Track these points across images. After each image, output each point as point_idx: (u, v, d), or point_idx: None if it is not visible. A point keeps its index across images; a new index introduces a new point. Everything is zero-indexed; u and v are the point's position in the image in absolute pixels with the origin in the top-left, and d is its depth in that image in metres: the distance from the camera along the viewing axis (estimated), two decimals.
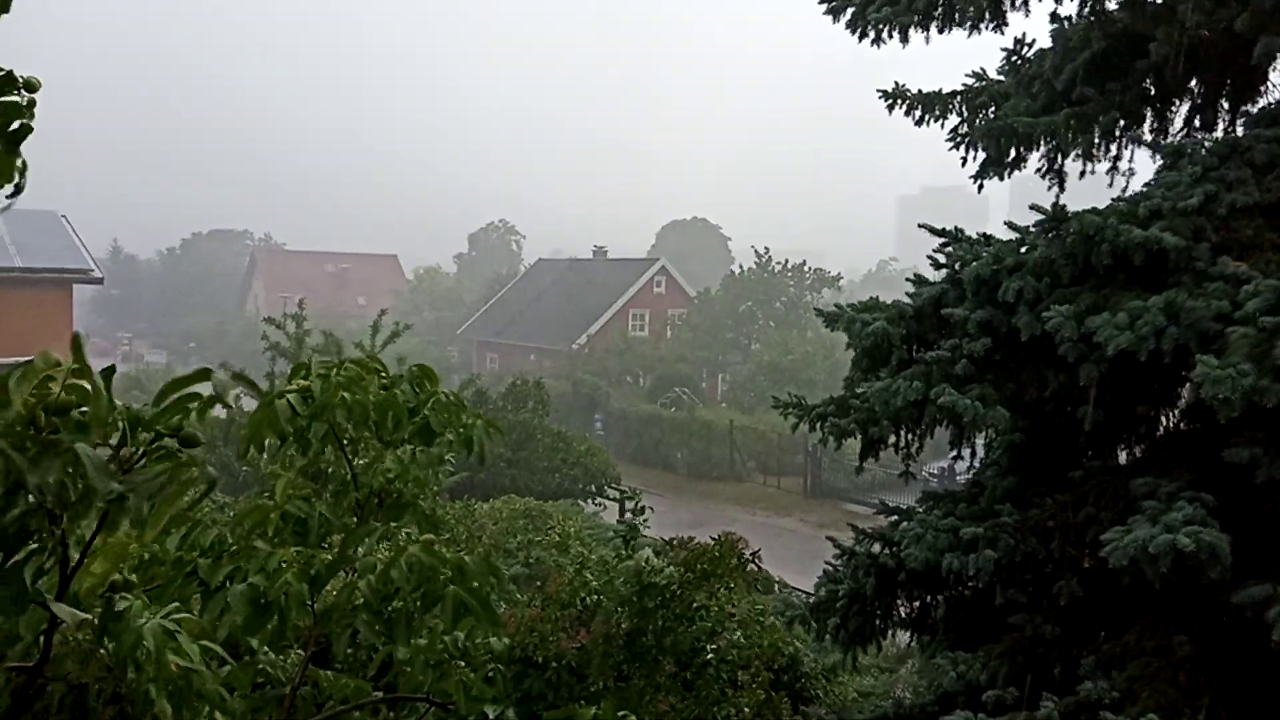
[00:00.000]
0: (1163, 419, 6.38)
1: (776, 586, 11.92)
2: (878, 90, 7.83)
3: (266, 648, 2.49)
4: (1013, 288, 5.74)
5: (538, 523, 11.90)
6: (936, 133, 7.71)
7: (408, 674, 2.54)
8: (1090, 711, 4.91)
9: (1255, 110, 6.60)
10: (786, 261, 43.31)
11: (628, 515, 8.45)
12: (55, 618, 1.39)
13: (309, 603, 2.00)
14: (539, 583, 7.99)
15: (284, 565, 2.03)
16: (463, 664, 2.51)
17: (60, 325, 18.48)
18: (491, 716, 2.27)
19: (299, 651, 2.31)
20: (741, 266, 45.61)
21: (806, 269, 43.17)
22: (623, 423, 34.13)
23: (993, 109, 7.52)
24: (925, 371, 5.84)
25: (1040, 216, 6.02)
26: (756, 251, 43.62)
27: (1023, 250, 6.08)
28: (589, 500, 20.74)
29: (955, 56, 8.22)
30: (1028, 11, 7.19)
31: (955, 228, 6.66)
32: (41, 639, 1.44)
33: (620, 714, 2.22)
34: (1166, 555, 4.63)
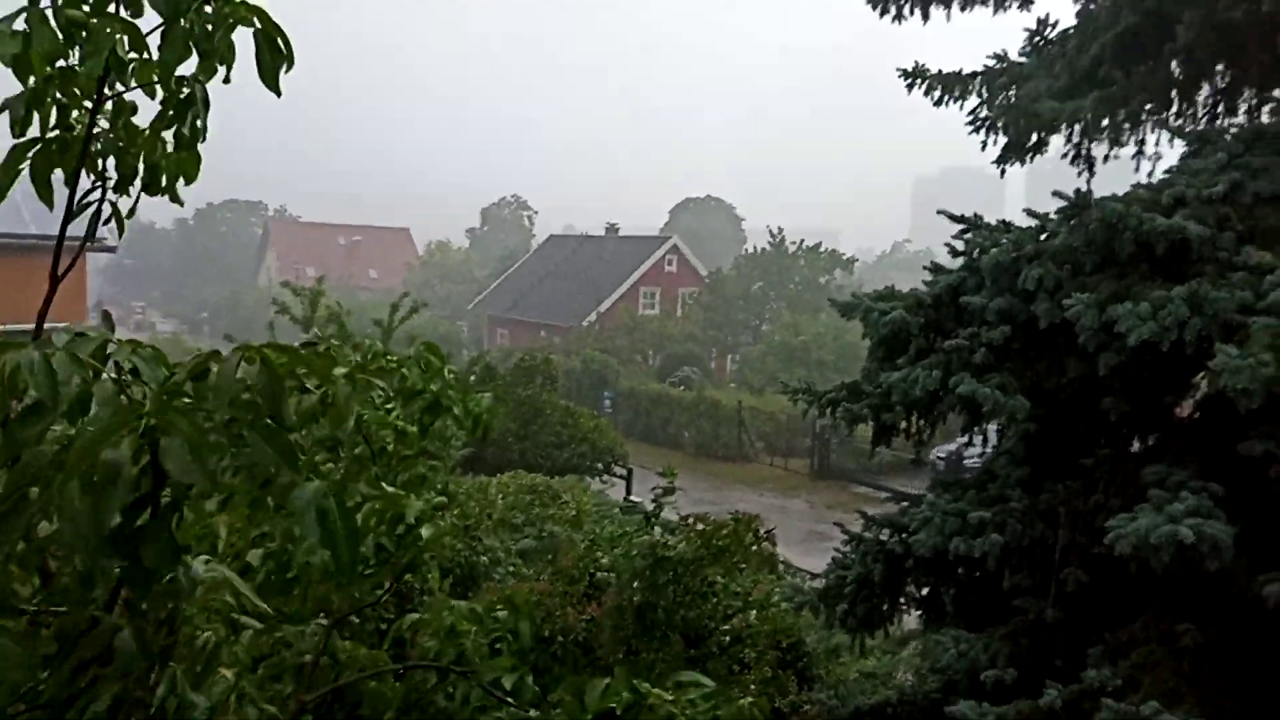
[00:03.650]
0: (1178, 408, 6.34)
1: (781, 567, 11.95)
2: (897, 69, 7.76)
3: (284, 617, 2.51)
4: (1033, 275, 5.69)
5: (544, 498, 11.94)
6: (955, 114, 7.66)
7: (419, 642, 2.57)
8: (1093, 699, 4.91)
9: None
10: (802, 242, 43.05)
11: (657, 490, 8.44)
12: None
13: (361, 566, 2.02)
14: (550, 556, 8.03)
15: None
16: (474, 629, 2.54)
17: (75, 293, 18.57)
18: (509, 685, 2.29)
19: (319, 623, 2.34)
20: (755, 246, 45.38)
21: (821, 250, 42.93)
22: (631, 401, 34.15)
23: (1013, 90, 7.43)
24: (944, 360, 5.80)
25: (1061, 203, 5.96)
26: (770, 231, 43.37)
27: (1043, 238, 6.02)
28: (596, 477, 20.81)
29: (977, 36, 8.12)
30: None
31: (975, 214, 6.60)
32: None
33: (635, 682, 2.22)
34: (1168, 545, 4.61)
